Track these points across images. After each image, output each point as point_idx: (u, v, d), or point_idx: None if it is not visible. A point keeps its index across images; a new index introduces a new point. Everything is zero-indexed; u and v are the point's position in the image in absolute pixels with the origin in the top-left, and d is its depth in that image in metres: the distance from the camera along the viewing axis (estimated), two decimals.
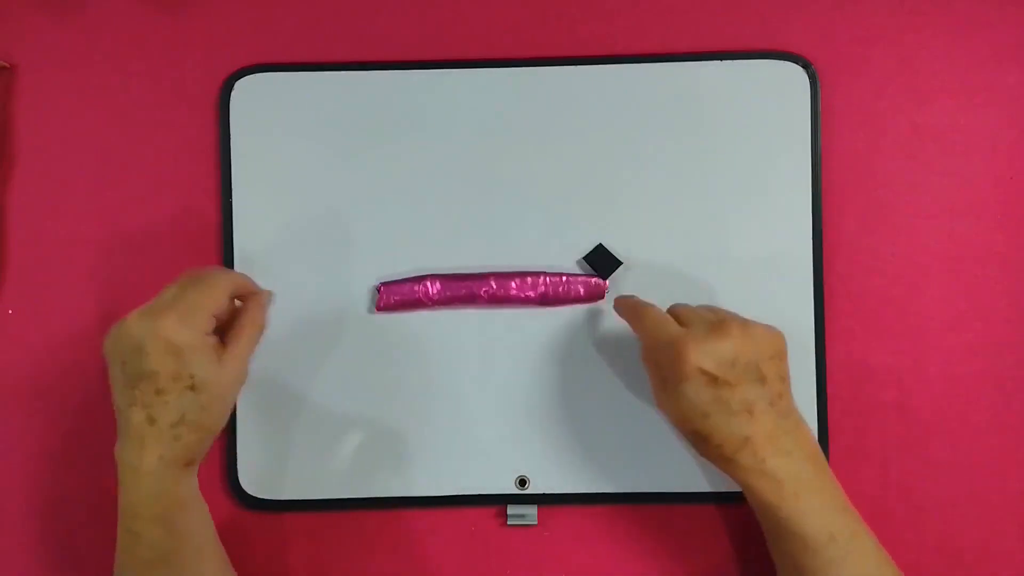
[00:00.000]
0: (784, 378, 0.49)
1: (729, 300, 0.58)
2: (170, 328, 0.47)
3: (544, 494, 0.58)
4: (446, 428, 0.58)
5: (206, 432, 0.49)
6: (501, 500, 0.58)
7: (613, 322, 0.58)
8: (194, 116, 0.60)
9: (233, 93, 0.59)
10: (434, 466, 0.58)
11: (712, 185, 0.59)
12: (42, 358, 0.60)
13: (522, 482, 0.58)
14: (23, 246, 0.60)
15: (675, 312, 0.51)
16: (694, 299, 0.58)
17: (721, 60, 0.59)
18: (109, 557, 0.57)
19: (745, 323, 0.49)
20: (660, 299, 0.58)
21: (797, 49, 0.59)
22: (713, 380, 0.47)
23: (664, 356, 0.48)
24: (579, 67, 0.59)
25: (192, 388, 0.47)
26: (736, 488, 0.57)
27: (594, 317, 0.59)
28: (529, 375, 0.58)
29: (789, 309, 0.58)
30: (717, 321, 0.49)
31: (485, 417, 0.58)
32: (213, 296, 0.49)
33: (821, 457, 0.50)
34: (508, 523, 0.58)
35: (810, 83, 0.58)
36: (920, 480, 0.58)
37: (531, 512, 0.57)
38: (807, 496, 0.48)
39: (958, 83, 0.59)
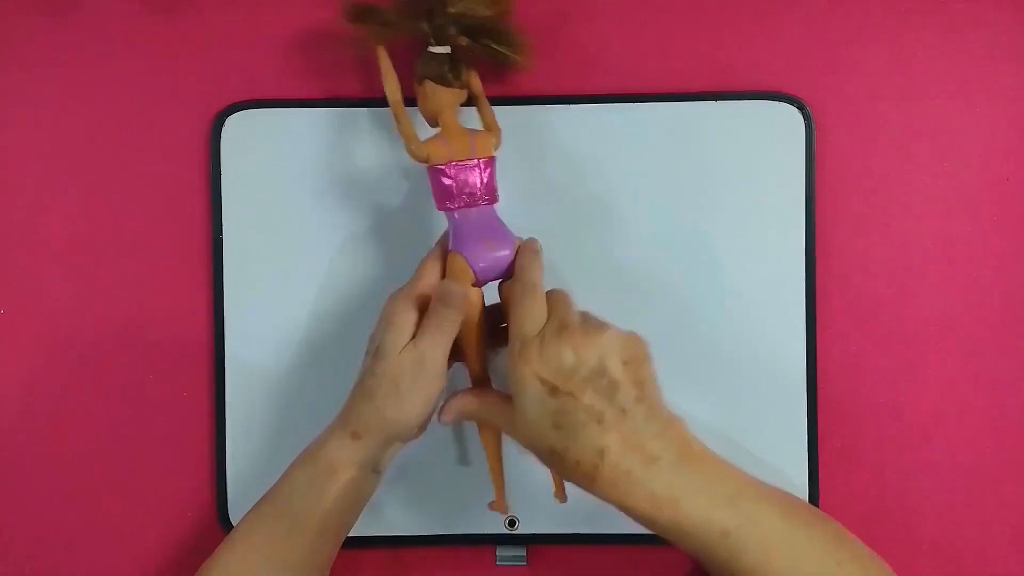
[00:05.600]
0: (643, 382, 0.45)
1: (721, 293, 0.57)
2: (388, 300, 0.50)
3: (533, 535, 0.58)
4: (436, 468, 0.58)
5: (370, 401, 0.48)
6: (491, 540, 0.58)
7: None
8: (185, 151, 0.59)
9: (224, 128, 0.58)
10: (424, 506, 0.58)
11: (706, 182, 0.57)
12: (32, 358, 0.60)
13: (511, 523, 0.58)
14: (16, 247, 0.59)
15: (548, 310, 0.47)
16: (687, 301, 0.58)
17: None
18: (107, 554, 0.58)
19: (592, 329, 0.45)
20: (665, 306, 0.58)
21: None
22: (554, 390, 0.43)
23: (507, 362, 0.45)
24: (575, 106, 0.57)
25: (375, 355, 0.49)
26: None
27: None
28: None
29: (781, 309, 0.57)
30: (560, 327, 0.45)
31: (476, 457, 0.57)
32: (419, 280, 0.50)
33: (699, 452, 0.46)
34: (498, 564, 0.58)
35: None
36: (914, 482, 0.59)
37: (520, 553, 0.58)
38: (687, 501, 0.44)
39: (953, 83, 0.58)
